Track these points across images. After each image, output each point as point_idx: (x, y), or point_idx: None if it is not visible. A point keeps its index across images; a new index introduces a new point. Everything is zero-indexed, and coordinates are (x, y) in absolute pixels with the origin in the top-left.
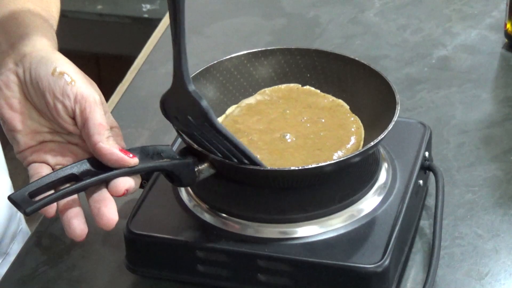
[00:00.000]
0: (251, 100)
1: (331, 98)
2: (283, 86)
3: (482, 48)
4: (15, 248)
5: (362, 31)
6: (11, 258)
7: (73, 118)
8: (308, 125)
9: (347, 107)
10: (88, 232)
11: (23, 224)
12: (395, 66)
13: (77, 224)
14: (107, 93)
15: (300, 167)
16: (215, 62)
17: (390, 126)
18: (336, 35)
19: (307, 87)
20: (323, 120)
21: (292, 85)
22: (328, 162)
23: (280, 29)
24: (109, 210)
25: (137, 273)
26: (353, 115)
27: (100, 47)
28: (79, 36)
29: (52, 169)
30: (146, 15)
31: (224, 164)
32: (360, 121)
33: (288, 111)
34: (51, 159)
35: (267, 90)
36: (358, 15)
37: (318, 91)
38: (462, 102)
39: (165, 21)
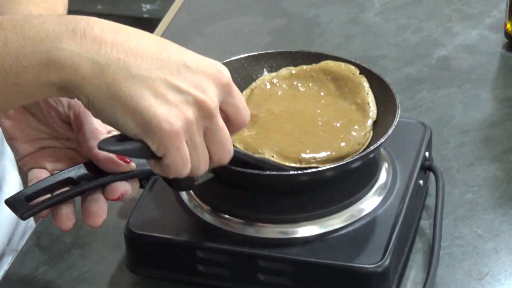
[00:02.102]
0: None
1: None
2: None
3: (482, 48)
4: None
5: (362, 31)
6: None
7: (69, 123)
8: (320, 123)
9: (374, 112)
10: (88, 231)
11: (32, 221)
12: (395, 66)
13: (64, 213)
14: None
15: (299, 172)
16: None
17: (390, 131)
18: (336, 35)
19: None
20: (338, 124)
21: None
22: (328, 167)
23: (280, 29)
24: (98, 208)
25: (137, 273)
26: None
27: None
28: None
29: (51, 174)
30: (146, 15)
31: (223, 168)
32: (371, 132)
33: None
34: (49, 164)
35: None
36: (358, 15)
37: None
38: (462, 102)
39: (165, 21)
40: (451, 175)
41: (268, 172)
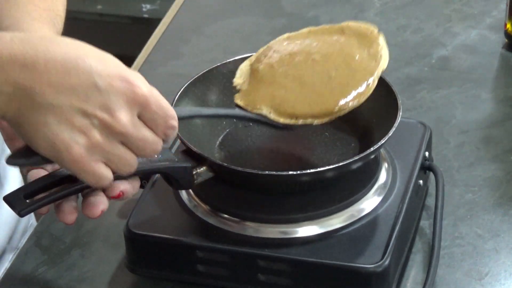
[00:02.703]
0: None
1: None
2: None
3: (482, 48)
4: None
5: None
6: None
7: None
8: (318, 73)
9: (385, 61)
10: (88, 231)
11: (33, 219)
12: (395, 66)
13: (67, 206)
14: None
15: (299, 172)
16: (218, 64)
17: (391, 132)
18: None
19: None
20: (335, 73)
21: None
22: (328, 167)
23: (280, 29)
24: (96, 199)
25: (137, 273)
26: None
27: (100, 47)
28: (79, 36)
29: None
30: (146, 15)
31: (223, 167)
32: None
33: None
34: (48, 165)
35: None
36: (358, 15)
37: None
38: (462, 102)
39: (165, 21)
40: (451, 175)
41: (268, 172)
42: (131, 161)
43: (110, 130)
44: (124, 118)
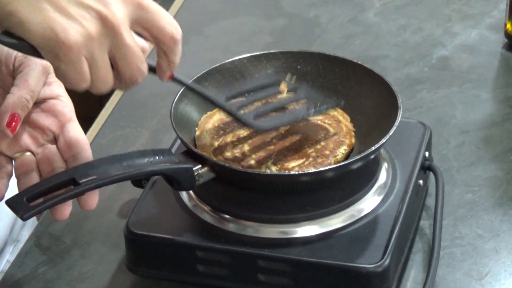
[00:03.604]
0: None
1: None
2: None
3: (482, 48)
4: (26, 235)
5: (362, 31)
6: (22, 245)
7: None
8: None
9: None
10: (88, 231)
11: None
12: (395, 66)
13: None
14: (107, 93)
15: (300, 172)
16: (217, 64)
17: (392, 131)
18: (336, 35)
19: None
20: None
21: None
22: (329, 167)
23: (280, 29)
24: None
25: (137, 273)
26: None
27: None
28: None
29: (11, 158)
30: None
31: (224, 168)
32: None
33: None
34: (6, 148)
35: None
36: (358, 15)
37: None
38: (462, 102)
39: None
40: (451, 175)
41: (268, 172)
42: (107, 78)
43: (106, 25)
44: (119, 12)
